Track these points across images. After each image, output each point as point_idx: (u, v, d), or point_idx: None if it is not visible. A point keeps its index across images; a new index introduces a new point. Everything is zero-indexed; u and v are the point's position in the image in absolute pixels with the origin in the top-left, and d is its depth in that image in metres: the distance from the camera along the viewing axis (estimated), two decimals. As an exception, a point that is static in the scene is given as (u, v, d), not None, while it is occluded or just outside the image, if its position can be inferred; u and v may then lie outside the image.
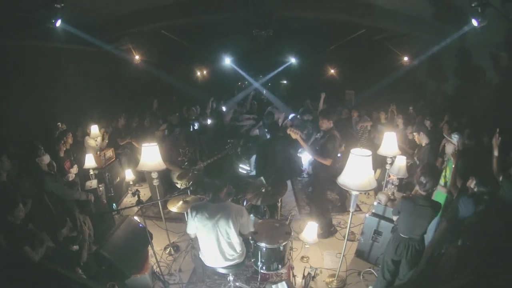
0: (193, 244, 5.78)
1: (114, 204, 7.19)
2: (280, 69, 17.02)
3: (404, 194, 5.73)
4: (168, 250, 5.93)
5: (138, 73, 11.28)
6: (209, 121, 10.10)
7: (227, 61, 15.37)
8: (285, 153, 7.68)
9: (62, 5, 5.22)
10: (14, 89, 6.56)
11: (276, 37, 9.17)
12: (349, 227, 4.67)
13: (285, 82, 20.91)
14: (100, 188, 6.62)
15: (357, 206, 7.48)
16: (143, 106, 10.46)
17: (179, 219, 6.48)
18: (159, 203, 5.58)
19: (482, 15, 5.25)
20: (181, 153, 6.74)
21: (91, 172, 6.87)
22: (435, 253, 4.41)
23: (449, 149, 5.38)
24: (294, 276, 5.11)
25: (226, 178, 3.93)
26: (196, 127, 9.65)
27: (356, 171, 3.92)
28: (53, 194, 5.14)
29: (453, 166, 4.79)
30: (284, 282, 3.97)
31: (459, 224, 4.32)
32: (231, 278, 4.35)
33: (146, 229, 4.79)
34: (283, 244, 4.47)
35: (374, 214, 5.45)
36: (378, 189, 6.29)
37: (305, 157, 9.09)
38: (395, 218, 4.38)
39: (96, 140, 7.53)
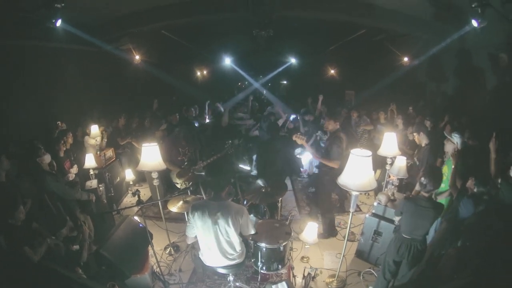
0: (193, 244, 5.78)
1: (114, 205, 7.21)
2: (280, 69, 16.98)
3: (405, 195, 5.75)
4: (168, 250, 5.93)
5: (138, 73, 11.27)
6: (207, 120, 10.12)
7: (227, 61, 15.35)
8: (285, 153, 7.70)
9: (63, 5, 5.22)
10: (14, 89, 6.55)
11: (276, 37, 9.18)
12: (349, 228, 4.68)
13: (285, 82, 20.89)
14: (100, 188, 6.63)
15: (357, 206, 7.49)
16: (143, 106, 10.45)
17: (179, 219, 6.48)
18: (159, 203, 5.58)
19: (482, 16, 5.26)
20: (181, 152, 6.74)
21: (91, 172, 6.86)
22: (435, 253, 4.42)
23: (448, 148, 5.39)
24: (294, 276, 5.11)
25: (228, 177, 3.94)
26: (196, 127, 9.65)
27: (356, 171, 3.92)
28: (54, 194, 5.14)
29: (453, 166, 4.80)
30: (284, 282, 3.98)
31: (459, 225, 4.32)
32: (231, 278, 4.35)
33: (146, 229, 4.79)
34: (283, 244, 4.48)
35: (374, 215, 5.45)
36: (378, 190, 6.29)
37: (305, 158, 9.10)
38: (397, 219, 4.38)
39: (96, 140, 7.53)
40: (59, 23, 5.59)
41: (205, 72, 17.86)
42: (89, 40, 7.53)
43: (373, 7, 7.38)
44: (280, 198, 5.65)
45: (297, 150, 8.96)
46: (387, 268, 4.37)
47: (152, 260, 5.16)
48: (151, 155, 5.17)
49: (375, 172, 6.43)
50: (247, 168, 8.24)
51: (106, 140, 7.99)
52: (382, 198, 5.41)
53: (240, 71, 16.47)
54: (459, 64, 8.92)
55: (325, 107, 10.17)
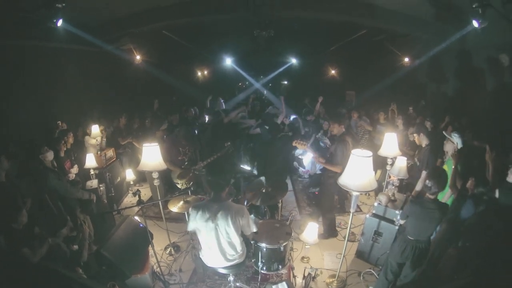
0: (193, 244, 5.79)
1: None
2: (281, 69, 16.99)
3: (406, 195, 5.75)
4: (169, 250, 5.92)
5: (138, 73, 11.28)
6: (206, 118, 10.12)
7: (228, 61, 15.36)
8: (285, 153, 7.70)
9: (63, 5, 5.22)
10: (14, 89, 6.57)
11: (277, 37, 9.19)
12: (350, 228, 4.67)
13: (285, 82, 20.89)
14: (101, 188, 6.64)
15: (358, 206, 7.49)
16: (143, 106, 10.45)
17: (180, 219, 6.47)
18: (160, 203, 5.58)
19: (483, 16, 5.26)
20: (181, 152, 6.74)
21: (92, 172, 6.87)
22: (435, 253, 4.42)
23: (448, 147, 5.39)
24: (294, 276, 5.11)
25: (229, 177, 3.94)
26: (194, 127, 9.66)
27: (357, 172, 3.92)
28: (55, 192, 5.15)
29: (453, 167, 4.80)
30: (284, 283, 3.98)
31: (459, 225, 4.32)
32: (231, 278, 4.35)
33: (146, 229, 4.79)
34: (284, 244, 4.48)
35: (375, 215, 5.44)
36: (378, 190, 6.29)
37: (307, 158, 9.10)
38: (402, 222, 4.36)
39: (96, 140, 7.53)
40: (60, 23, 5.59)
41: (205, 72, 17.86)
42: (89, 40, 7.54)
43: (373, 7, 7.39)
44: (281, 199, 5.65)
45: (299, 151, 8.96)
46: (390, 269, 4.36)
47: (152, 260, 5.16)
48: (151, 155, 5.17)
49: (375, 173, 6.43)
50: (248, 168, 8.24)
51: (105, 139, 7.99)
52: (383, 198, 5.41)
53: (241, 71, 16.47)
54: (459, 65, 8.92)
55: (323, 108, 10.17)
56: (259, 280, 4.88)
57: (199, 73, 17.56)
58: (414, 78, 11.11)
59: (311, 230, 5.34)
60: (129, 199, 8.18)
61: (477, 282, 3.13)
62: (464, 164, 5.02)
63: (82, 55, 8.77)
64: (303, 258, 5.67)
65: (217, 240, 3.80)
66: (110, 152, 7.84)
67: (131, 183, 8.20)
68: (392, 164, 5.90)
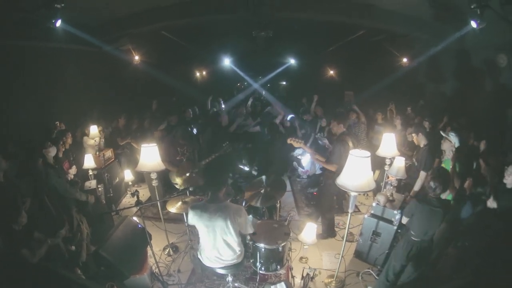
0: (192, 244, 5.80)
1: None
2: (279, 70, 16.97)
3: (416, 196, 5.75)
4: (167, 250, 5.93)
5: (137, 74, 11.26)
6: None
7: (227, 61, 15.34)
8: (284, 152, 7.72)
9: (62, 5, 5.22)
10: (14, 89, 6.57)
11: (276, 38, 9.18)
12: (348, 228, 4.67)
13: (284, 83, 20.90)
14: (99, 189, 6.64)
15: (356, 207, 7.49)
16: (142, 107, 10.45)
17: (178, 219, 6.46)
18: (158, 203, 5.58)
19: (481, 17, 5.26)
20: (180, 152, 6.74)
21: (90, 172, 6.87)
22: (434, 253, 4.42)
23: (445, 146, 5.41)
24: (293, 276, 5.11)
25: (226, 177, 3.94)
26: (195, 126, 9.67)
27: (355, 172, 3.92)
28: (54, 192, 5.14)
29: (451, 167, 4.81)
30: (283, 283, 3.98)
31: (458, 225, 4.33)
32: (230, 278, 4.36)
33: (145, 229, 4.81)
34: (282, 244, 4.49)
35: (373, 215, 5.46)
36: (377, 190, 6.30)
37: (306, 159, 9.11)
38: (405, 220, 4.35)
39: (95, 141, 7.53)
40: (59, 23, 5.58)
41: (204, 72, 17.85)
42: (89, 40, 7.52)
43: (372, 8, 7.39)
44: (279, 199, 5.66)
45: (298, 151, 8.97)
46: (393, 271, 4.35)
47: (151, 261, 5.16)
48: (150, 155, 5.17)
49: (374, 173, 6.44)
50: (246, 168, 8.26)
51: (103, 140, 7.99)
52: (381, 198, 5.42)
53: (240, 72, 16.46)
54: (458, 65, 8.92)
55: (320, 108, 10.18)
56: (257, 280, 4.88)
57: (198, 74, 17.54)
58: (413, 78, 11.10)
59: (309, 230, 5.34)
60: (127, 200, 8.18)
61: (477, 282, 3.14)
62: (463, 164, 5.04)
63: (81, 55, 8.76)
64: (301, 258, 5.68)
65: (216, 241, 3.81)
66: (109, 153, 7.84)
67: (130, 183, 8.19)
68: (390, 164, 5.91)
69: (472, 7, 5.14)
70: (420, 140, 5.95)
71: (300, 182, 9.27)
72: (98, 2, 6.71)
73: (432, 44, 8.13)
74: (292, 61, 15.93)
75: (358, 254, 5.74)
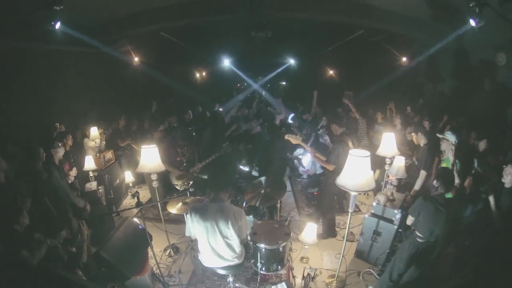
0: (192, 245, 5.79)
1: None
2: (278, 70, 16.99)
3: (411, 195, 5.75)
4: (168, 251, 5.93)
5: (137, 75, 11.29)
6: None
7: (226, 62, 15.36)
8: (284, 152, 7.72)
9: (61, 7, 5.22)
10: (14, 90, 6.59)
11: (275, 38, 9.19)
12: (348, 228, 4.68)
13: (284, 83, 20.91)
14: (100, 190, 6.65)
15: (357, 206, 7.50)
16: (142, 108, 10.46)
17: (179, 220, 6.46)
18: (159, 204, 5.58)
19: (480, 15, 5.27)
20: (180, 153, 6.73)
21: (91, 174, 6.88)
22: (435, 253, 4.42)
23: (444, 146, 5.42)
24: (293, 277, 5.10)
25: (229, 177, 3.96)
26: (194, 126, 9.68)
27: (355, 171, 3.93)
28: (55, 193, 5.14)
29: (451, 165, 4.82)
30: (283, 283, 3.99)
31: (458, 224, 4.33)
32: (230, 279, 4.36)
33: (145, 230, 4.80)
34: (283, 245, 4.47)
35: (373, 215, 5.46)
36: (377, 190, 6.30)
37: (306, 158, 9.10)
38: (410, 220, 4.34)
39: (95, 142, 7.54)
40: (58, 25, 5.59)
41: (204, 73, 17.87)
42: (88, 42, 7.53)
43: (371, 8, 7.40)
44: (280, 200, 5.66)
45: (299, 151, 8.97)
46: (397, 271, 4.35)
47: (152, 262, 5.16)
48: (150, 156, 5.17)
49: (374, 172, 6.45)
50: (246, 169, 8.26)
51: (104, 142, 7.99)
52: (381, 198, 5.42)
53: (239, 72, 16.47)
54: (456, 64, 8.93)
55: (319, 108, 10.18)
56: (258, 280, 4.88)
57: (198, 75, 17.56)
58: (412, 77, 11.11)
59: (310, 230, 5.34)
60: (128, 201, 8.18)
61: (477, 281, 3.14)
62: (463, 162, 5.04)
63: (80, 56, 8.78)
64: (302, 258, 5.68)
65: (216, 241, 3.82)
66: (109, 154, 7.84)
67: (130, 185, 8.19)
68: (390, 164, 5.91)
69: (471, 5, 5.15)
70: (420, 139, 5.96)
71: (300, 182, 9.25)
72: (98, 3, 6.72)
73: (431, 43, 8.14)
74: (291, 62, 15.95)
75: (359, 254, 5.73)
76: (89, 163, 6.80)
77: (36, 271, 3.44)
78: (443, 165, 5.39)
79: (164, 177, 7.02)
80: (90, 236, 5.44)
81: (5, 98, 6.39)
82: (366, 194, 8.01)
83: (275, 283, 4.34)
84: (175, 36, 10.18)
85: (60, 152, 5.58)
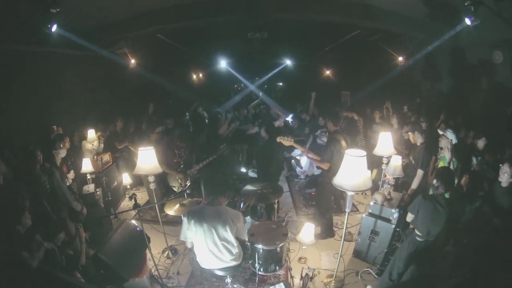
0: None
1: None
2: (275, 71, 16.97)
3: (402, 193, 5.76)
4: (166, 253, 5.91)
5: (134, 77, 11.28)
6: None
7: (223, 64, 15.36)
8: (280, 153, 7.72)
9: (58, 10, 5.22)
10: (13, 92, 6.60)
11: (271, 39, 9.20)
12: (346, 227, 4.69)
13: (281, 84, 20.92)
14: (98, 192, 6.65)
15: (354, 206, 7.50)
16: (140, 110, 10.44)
17: (177, 222, 6.45)
18: (156, 206, 5.58)
19: (475, 14, 5.29)
20: (177, 154, 6.71)
21: (88, 176, 6.87)
22: (434, 251, 4.43)
23: (443, 143, 5.43)
24: (292, 277, 5.10)
25: (227, 181, 3.96)
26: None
27: (351, 171, 3.94)
28: (54, 195, 5.13)
29: (447, 163, 4.83)
30: (282, 284, 3.99)
31: (456, 222, 4.34)
32: (228, 280, 4.36)
33: (143, 232, 4.80)
34: (280, 245, 4.48)
35: (371, 214, 5.46)
36: (374, 189, 6.30)
37: (304, 159, 9.11)
38: (410, 218, 4.34)
39: (93, 144, 7.53)
40: (54, 28, 5.59)
41: (201, 75, 17.84)
42: (85, 45, 7.53)
43: (369, 8, 7.42)
44: (277, 200, 5.66)
45: (297, 151, 8.96)
46: (397, 270, 4.36)
47: (150, 264, 5.15)
48: (147, 158, 5.18)
49: (371, 172, 6.46)
50: (244, 170, 8.26)
51: (103, 145, 7.99)
52: (379, 197, 5.42)
53: (236, 74, 16.47)
54: (453, 63, 8.96)
55: (316, 108, 10.19)
56: (256, 281, 4.87)
57: (195, 76, 17.54)
58: (409, 76, 11.13)
59: (307, 230, 5.34)
60: (126, 203, 8.16)
61: (475, 280, 3.15)
62: (460, 161, 5.05)
63: (78, 59, 8.79)
64: (300, 258, 5.68)
65: (214, 244, 3.83)
66: (106, 157, 7.83)
67: (128, 187, 8.19)
68: (387, 163, 5.92)
69: (466, 4, 5.17)
70: (416, 138, 5.95)
71: (298, 182, 9.27)
72: (95, 5, 6.71)
73: (428, 42, 8.16)
74: (288, 62, 15.93)
75: (357, 254, 5.73)
76: (87, 165, 6.80)
77: (35, 273, 3.44)
78: (440, 163, 5.40)
79: (161, 179, 7.01)
80: (88, 239, 5.43)
81: (5, 99, 6.40)
82: (363, 194, 8.02)
83: (273, 284, 4.34)
84: (172, 39, 10.18)
85: (62, 153, 5.59)
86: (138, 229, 5.04)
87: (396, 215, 5.15)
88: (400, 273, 4.34)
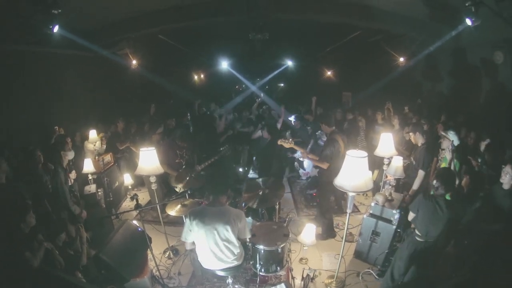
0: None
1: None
2: (276, 72, 16.97)
3: (410, 195, 5.75)
4: (167, 253, 5.92)
5: (135, 77, 11.28)
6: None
7: (224, 64, 15.36)
8: (281, 155, 7.72)
9: (59, 11, 5.22)
10: (14, 92, 6.62)
11: (272, 40, 9.21)
12: (347, 228, 4.69)
13: (282, 85, 20.92)
14: (99, 193, 6.66)
15: (355, 207, 7.51)
16: (141, 110, 10.46)
17: (178, 222, 6.46)
18: (158, 207, 5.58)
19: (476, 14, 5.28)
20: (179, 155, 6.71)
21: (90, 177, 6.89)
22: (434, 252, 4.43)
23: (445, 144, 5.42)
24: (293, 278, 5.11)
25: (228, 181, 3.97)
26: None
27: (352, 172, 3.94)
28: (56, 195, 5.15)
29: (448, 164, 4.82)
30: (283, 284, 3.99)
31: (457, 223, 4.33)
32: (230, 280, 4.35)
33: (145, 233, 4.81)
34: (281, 246, 4.49)
35: (372, 215, 5.46)
36: (375, 190, 6.30)
37: (307, 160, 9.10)
38: (411, 215, 4.33)
39: (94, 145, 7.55)
40: (56, 28, 5.60)
41: (202, 75, 17.83)
42: (85, 45, 7.53)
43: (369, 8, 7.41)
44: (278, 201, 5.66)
45: (299, 153, 8.97)
46: (397, 270, 4.35)
47: (151, 264, 5.16)
48: (148, 159, 5.19)
49: (373, 173, 6.46)
50: (245, 171, 8.26)
51: (105, 146, 8.01)
52: (380, 198, 5.42)
53: (237, 74, 16.47)
54: (454, 63, 8.95)
55: (320, 109, 10.20)
56: (257, 282, 4.87)
57: (196, 77, 17.53)
58: (410, 77, 11.11)
59: (308, 231, 5.34)
60: (127, 204, 8.17)
61: (475, 280, 3.15)
62: (461, 162, 5.05)
63: (79, 59, 8.81)
64: (301, 259, 5.68)
65: (216, 244, 3.83)
66: (108, 157, 7.84)
67: (129, 187, 8.19)
68: (388, 164, 5.91)
69: (467, 4, 5.16)
70: (417, 139, 5.95)
71: (299, 183, 9.27)
72: (96, 6, 6.72)
73: (429, 43, 8.15)
74: (289, 63, 15.94)
75: (358, 254, 5.73)
76: (88, 166, 6.82)
77: (37, 272, 3.44)
78: (442, 164, 5.39)
79: (163, 179, 7.02)
80: (89, 239, 5.44)
81: (5, 99, 6.41)
82: (364, 195, 8.02)
83: (274, 285, 4.34)
84: (173, 39, 10.19)
85: (70, 155, 5.61)
86: (139, 229, 5.05)
87: (397, 216, 5.15)
88: (401, 273, 4.33)
